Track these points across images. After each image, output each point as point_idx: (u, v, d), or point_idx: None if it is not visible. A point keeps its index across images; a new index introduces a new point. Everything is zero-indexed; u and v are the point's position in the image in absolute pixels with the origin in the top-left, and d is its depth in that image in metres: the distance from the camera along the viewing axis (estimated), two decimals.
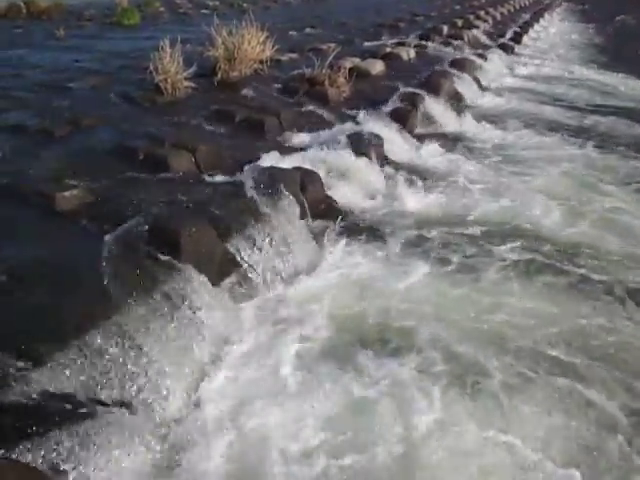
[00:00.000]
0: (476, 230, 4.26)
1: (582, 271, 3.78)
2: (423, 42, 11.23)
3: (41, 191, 3.47)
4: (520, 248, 4.01)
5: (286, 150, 4.89)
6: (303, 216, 3.97)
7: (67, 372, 2.26)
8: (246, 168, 4.26)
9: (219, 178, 4.22)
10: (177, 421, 2.44)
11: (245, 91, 6.39)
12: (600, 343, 3.06)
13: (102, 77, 6.69)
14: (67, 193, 3.45)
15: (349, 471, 2.26)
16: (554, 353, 2.98)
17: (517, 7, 24.22)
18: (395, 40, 11.07)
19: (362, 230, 4.18)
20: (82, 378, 2.28)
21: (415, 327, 3.12)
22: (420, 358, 2.89)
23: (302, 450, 2.33)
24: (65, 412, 2.12)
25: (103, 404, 2.26)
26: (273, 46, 7.31)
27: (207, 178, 4.19)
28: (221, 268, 3.28)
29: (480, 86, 8.99)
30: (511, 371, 2.83)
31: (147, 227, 3.13)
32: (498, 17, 18.83)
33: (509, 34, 14.72)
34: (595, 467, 2.35)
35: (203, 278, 3.00)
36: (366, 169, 4.94)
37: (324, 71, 6.67)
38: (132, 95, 5.80)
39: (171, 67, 5.83)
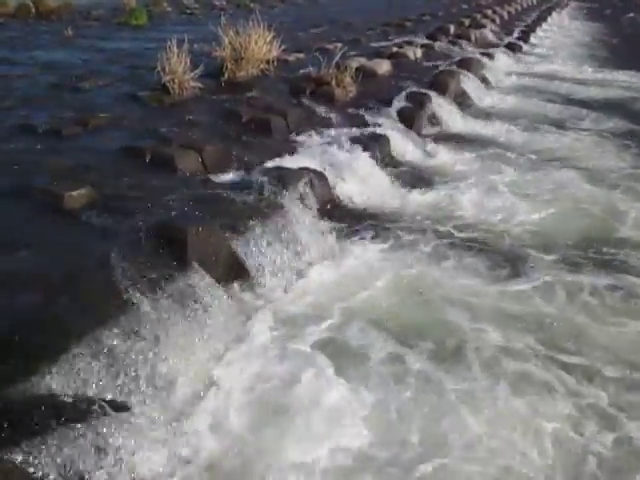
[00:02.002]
0: (480, 230, 4.25)
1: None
2: (430, 42, 11.20)
3: (49, 190, 3.50)
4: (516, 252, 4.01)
5: (292, 150, 4.90)
6: (310, 215, 3.98)
7: (75, 371, 2.27)
8: (252, 168, 4.28)
9: (226, 178, 4.24)
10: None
11: (252, 91, 6.41)
12: None
13: (110, 77, 6.73)
14: (75, 192, 3.47)
15: None
16: None
17: (525, 6, 24.12)
18: (402, 40, 11.06)
19: (368, 228, 4.18)
20: (90, 377, 2.29)
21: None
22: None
23: None
24: (72, 413, 2.13)
25: (111, 404, 2.27)
26: (280, 46, 7.32)
27: (214, 178, 4.21)
28: (227, 267, 3.29)
29: (487, 85, 8.97)
30: None
31: (154, 226, 3.15)
32: (505, 16, 18.76)
33: (516, 33, 14.69)
34: None
35: (209, 277, 3.02)
36: (373, 169, 4.94)
37: (331, 71, 6.68)
38: (139, 95, 5.83)
39: (178, 67, 5.85)
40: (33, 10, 14.86)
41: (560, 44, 15.11)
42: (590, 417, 2.58)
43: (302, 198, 3.95)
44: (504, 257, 3.89)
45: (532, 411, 2.59)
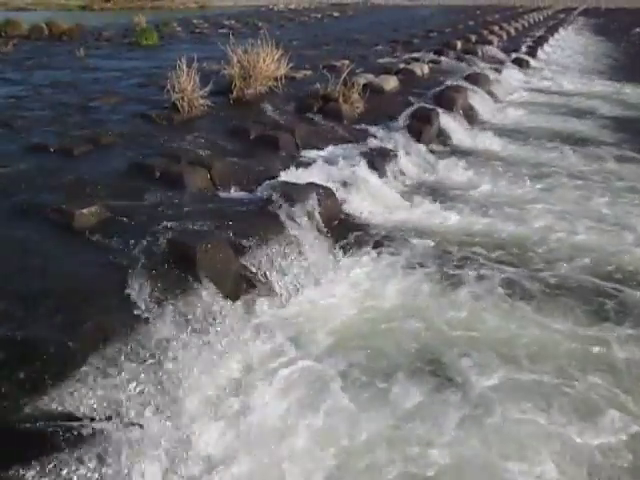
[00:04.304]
0: (488, 248, 4.21)
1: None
2: (437, 57, 11.28)
3: (60, 208, 3.53)
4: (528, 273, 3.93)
5: (301, 166, 4.92)
6: (318, 231, 3.99)
7: (84, 389, 2.27)
8: (261, 184, 4.30)
9: (234, 194, 4.26)
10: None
11: (260, 108, 6.47)
12: None
13: (120, 96, 6.83)
14: (85, 210, 3.51)
15: None
16: None
17: (532, 22, 24.28)
18: (409, 56, 11.14)
19: (376, 244, 4.17)
20: (99, 395, 2.29)
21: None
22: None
23: None
24: (82, 431, 2.12)
25: (120, 422, 2.26)
26: (288, 63, 7.40)
27: (222, 194, 4.24)
28: (236, 283, 3.29)
29: (495, 100, 8.99)
30: None
31: (164, 243, 3.17)
32: (512, 32, 18.87)
33: (524, 48, 14.73)
34: None
35: (219, 293, 3.02)
36: (381, 185, 4.95)
37: (338, 88, 6.73)
38: (149, 114, 5.90)
39: (188, 86, 5.92)
40: (46, 31, 15.20)
41: (567, 59, 15.14)
42: None
43: (310, 214, 3.96)
44: (515, 276, 3.82)
45: None
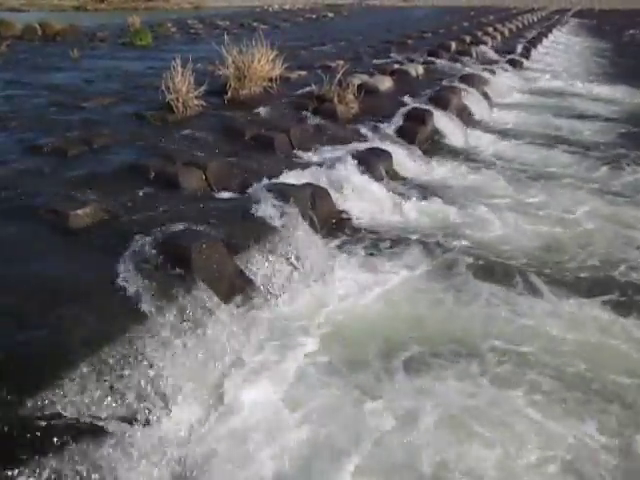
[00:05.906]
0: (483, 247, 4.23)
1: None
2: (431, 58, 11.32)
3: (55, 209, 3.52)
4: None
5: (295, 166, 4.93)
6: (313, 231, 3.99)
7: (79, 390, 2.26)
8: (256, 185, 4.30)
9: (229, 195, 4.26)
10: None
11: (255, 109, 6.47)
12: None
13: (115, 96, 6.81)
14: (80, 211, 3.50)
15: None
16: None
17: (525, 23, 24.37)
18: (403, 56, 11.17)
19: (371, 245, 4.18)
20: (94, 396, 2.29)
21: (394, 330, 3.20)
22: None
23: None
24: (76, 432, 2.12)
25: (114, 423, 2.25)
26: (282, 64, 7.41)
27: (217, 195, 4.24)
28: (231, 284, 3.29)
29: (489, 101, 9.01)
30: None
31: (159, 243, 3.16)
32: (506, 33, 18.94)
33: (518, 49, 14.79)
34: None
35: (213, 294, 3.02)
36: (375, 184, 4.96)
37: (333, 88, 6.74)
38: (144, 114, 5.88)
39: (182, 86, 5.92)
40: (39, 32, 15.15)
41: (561, 60, 15.20)
42: None
43: (305, 214, 3.96)
44: (509, 278, 3.83)
45: None
